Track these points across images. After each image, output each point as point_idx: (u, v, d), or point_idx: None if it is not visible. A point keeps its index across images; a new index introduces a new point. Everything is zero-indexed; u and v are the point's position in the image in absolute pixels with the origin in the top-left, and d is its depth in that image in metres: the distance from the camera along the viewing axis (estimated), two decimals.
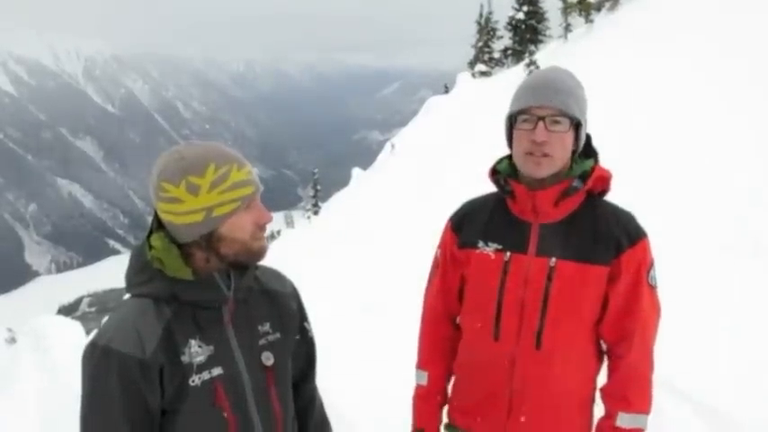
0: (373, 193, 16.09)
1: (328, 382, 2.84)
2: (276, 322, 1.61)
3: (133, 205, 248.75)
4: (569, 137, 1.72)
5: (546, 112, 1.69)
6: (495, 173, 1.88)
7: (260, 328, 1.57)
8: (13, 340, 8.78)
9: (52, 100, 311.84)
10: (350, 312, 6.71)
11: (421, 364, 2.06)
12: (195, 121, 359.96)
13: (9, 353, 7.90)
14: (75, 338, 7.25)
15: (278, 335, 1.61)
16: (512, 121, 1.79)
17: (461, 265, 1.91)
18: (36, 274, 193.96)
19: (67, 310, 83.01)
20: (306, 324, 1.75)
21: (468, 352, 1.94)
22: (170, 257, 1.43)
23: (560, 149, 1.71)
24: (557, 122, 1.69)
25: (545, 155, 1.70)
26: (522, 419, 1.81)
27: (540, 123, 1.69)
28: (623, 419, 1.76)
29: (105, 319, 1.58)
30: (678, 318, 3.41)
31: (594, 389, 1.87)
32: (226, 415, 1.47)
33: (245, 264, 1.51)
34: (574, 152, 1.78)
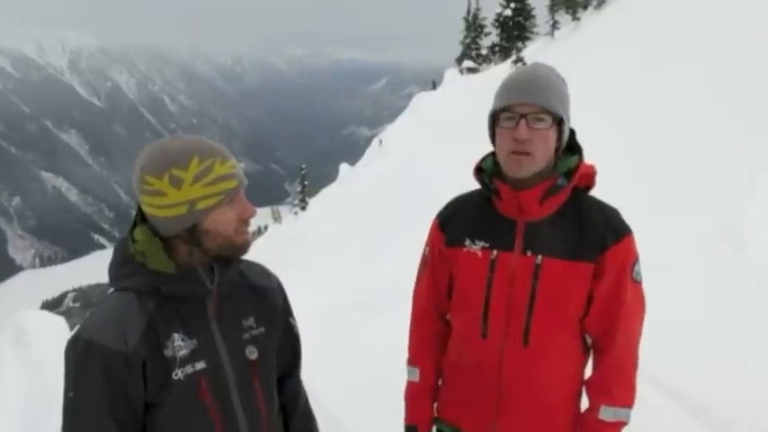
0: (361, 188, 16.10)
1: (317, 379, 2.84)
2: (261, 317, 1.61)
3: (119, 199, 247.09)
4: (552, 134, 1.71)
5: (528, 109, 1.67)
6: (479, 171, 1.87)
7: (244, 322, 1.57)
8: None
9: (37, 92, 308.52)
10: (338, 309, 6.71)
11: (412, 361, 2.06)
12: (182, 115, 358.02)
13: None
14: (58, 334, 7.16)
15: (262, 329, 1.60)
16: (494, 119, 1.78)
17: (449, 262, 1.91)
18: (20, 269, 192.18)
19: (51, 306, 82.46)
20: (291, 319, 1.75)
21: (457, 349, 1.95)
22: (153, 251, 1.42)
23: (543, 147, 1.70)
24: (539, 120, 1.68)
25: (527, 153, 1.68)
26: (511, 415, 1.82)
27: (523, 121, 1.67)
28: (606, 413, 1.77)
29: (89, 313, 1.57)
30: (665, 314, 3.43)
31: (581, 383, 1.88)
32: (209, 409, 1.47)
33: (228, 257, 1.50)
34: (557, 149, 1.76)
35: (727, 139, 6.40)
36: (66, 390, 1.41)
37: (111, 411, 1.39)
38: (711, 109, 7.28)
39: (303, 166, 31.57)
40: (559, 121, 1.71)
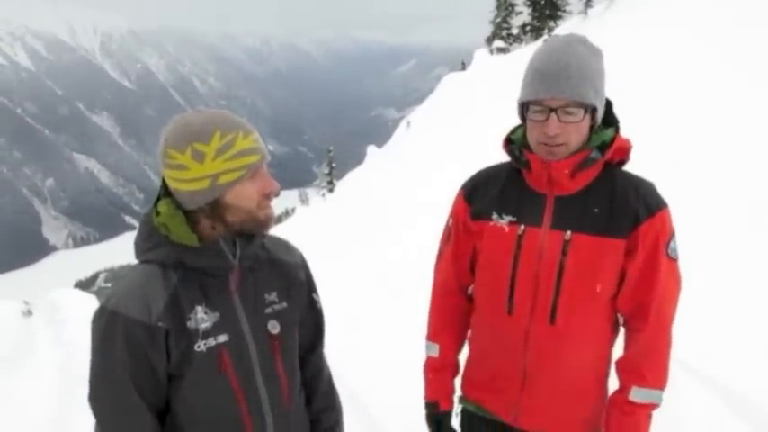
0: (388, 170, 16.06)
1: (341, 357, 2.84)
2: (283, 291, 1.60)
3: (149, 181, 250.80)
4: (585, 122, 1.65)
5: (558, 103, 1.60)
6: (509, 142, 1.81)
7: (266, 296, 1.56)
8: (29, 313, 8.91)
9: (69, 75, 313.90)
10: (364, 288, 6.73)
11: (431, 336, 2.02)
12: (211, 97, 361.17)
13: (25, 325, 8.02)
14: (90, 312, 7.33)
15: (284, 304, 1.59)
16: (524, 106, 1.72)
17: (474, 236, 1.86)
18: (53, 249, 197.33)
19: (84, 285, 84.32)
20: (314, 295, 1.74)
21: (482, 326, 1.91)
22: (175, 224, 1.43)
23: (576, 136, 1.64)
24: (570, 114, 1.61)
25: (559, 144, 1.64)
26: (536, 395, 1.78)
27: (553, 115, 1.61)
28: (637, 394, 1.72)
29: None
30: (700, 295, 3.34)
31: (610, 363, 1.83)
32: (231, 381, 1.47)
33: (251, 232, 1.49)
34: (592, 126, 1.70)
35: (762, 112, 6.21)
36: (92, 358, 1.44)
37: (134, 380, 1.40)
38: (749, 83, 7.07)
39: (330, 148, 31.58)
40: (593, 109, 1.65)
